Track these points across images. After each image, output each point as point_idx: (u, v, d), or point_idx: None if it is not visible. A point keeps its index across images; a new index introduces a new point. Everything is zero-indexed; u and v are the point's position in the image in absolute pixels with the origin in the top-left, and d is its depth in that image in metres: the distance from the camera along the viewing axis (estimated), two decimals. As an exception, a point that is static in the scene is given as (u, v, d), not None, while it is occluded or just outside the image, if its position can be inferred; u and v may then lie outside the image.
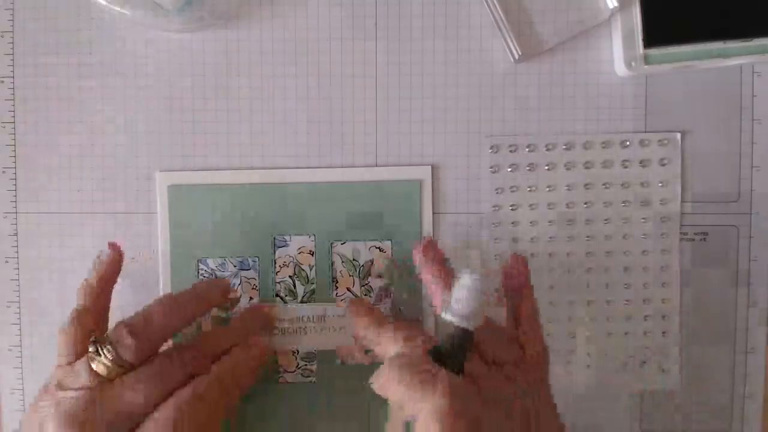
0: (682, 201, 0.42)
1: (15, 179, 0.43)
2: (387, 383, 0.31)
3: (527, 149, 0.42)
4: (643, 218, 0.42)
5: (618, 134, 0.41)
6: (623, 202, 0.42)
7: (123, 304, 0.43)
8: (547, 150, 0.42)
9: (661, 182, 0.41)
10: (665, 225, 0.42)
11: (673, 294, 0.42)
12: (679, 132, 0.41)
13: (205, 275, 0.43)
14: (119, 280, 0.43)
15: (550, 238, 0.42)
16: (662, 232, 0.42)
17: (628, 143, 0.41)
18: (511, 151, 0.42)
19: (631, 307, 0.42)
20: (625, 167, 0.41)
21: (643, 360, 0.42)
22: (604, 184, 0.42)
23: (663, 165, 0.41)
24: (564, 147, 0.42)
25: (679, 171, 0.41)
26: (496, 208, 0.42)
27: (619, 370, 0.42)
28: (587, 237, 0.42)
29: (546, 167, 0.42)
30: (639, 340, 0.42)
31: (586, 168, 0.42)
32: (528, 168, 0.42)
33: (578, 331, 0.42)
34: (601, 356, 0.42)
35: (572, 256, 0.42)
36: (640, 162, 0.41)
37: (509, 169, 0.42)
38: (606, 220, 0.42)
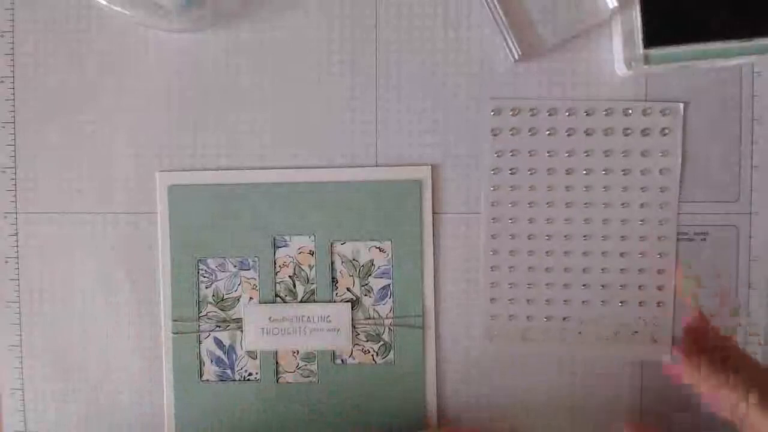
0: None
1: (15, 179, 0.43)
2: None
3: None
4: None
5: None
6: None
7: (122, 302, 0.43)
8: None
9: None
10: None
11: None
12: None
13: (205, 275, 0.43)
14: (121, 280, 0.43)
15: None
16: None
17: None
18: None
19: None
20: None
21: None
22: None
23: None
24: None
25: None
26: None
27: (611, 339, 0.42)
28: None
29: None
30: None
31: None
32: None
33: (573, 299, 0.42)
34: (594, 325, 0.42)
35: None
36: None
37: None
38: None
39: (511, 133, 0.42)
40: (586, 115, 0.41)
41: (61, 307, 0.43)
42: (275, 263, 0.42)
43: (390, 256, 0.42)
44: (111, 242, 0.43)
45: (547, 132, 0.42)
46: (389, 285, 0.42)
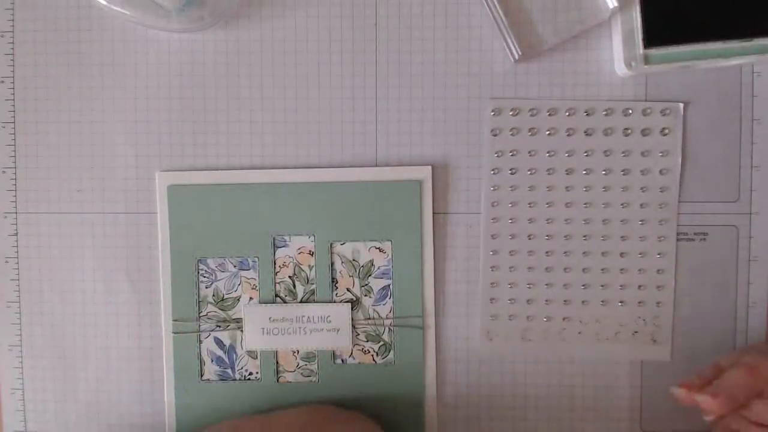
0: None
1: (15, 179, 0.43)
2: None
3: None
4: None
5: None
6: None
7: (121, 302, 0.43)
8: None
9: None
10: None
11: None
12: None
13: (205, 275, 0.43)
14: (121, 280, 0.43)
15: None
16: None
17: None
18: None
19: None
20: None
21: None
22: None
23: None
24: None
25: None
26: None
27: (611, 339, 0.42)
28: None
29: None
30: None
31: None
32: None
33: (573, 299, 0.42)
34: (594, 325, 0.42)
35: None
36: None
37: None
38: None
39: (511, 133, 0.42)
40: (586, 115, 0.41)
41: (61, 307, 0.43)
42: (275, 263, 0.42)
43: (390, 256, 0.42)
44: (111, 242, 0.43)
45: (547, 132, 0.42)
46: (389, 285, 0.42)
